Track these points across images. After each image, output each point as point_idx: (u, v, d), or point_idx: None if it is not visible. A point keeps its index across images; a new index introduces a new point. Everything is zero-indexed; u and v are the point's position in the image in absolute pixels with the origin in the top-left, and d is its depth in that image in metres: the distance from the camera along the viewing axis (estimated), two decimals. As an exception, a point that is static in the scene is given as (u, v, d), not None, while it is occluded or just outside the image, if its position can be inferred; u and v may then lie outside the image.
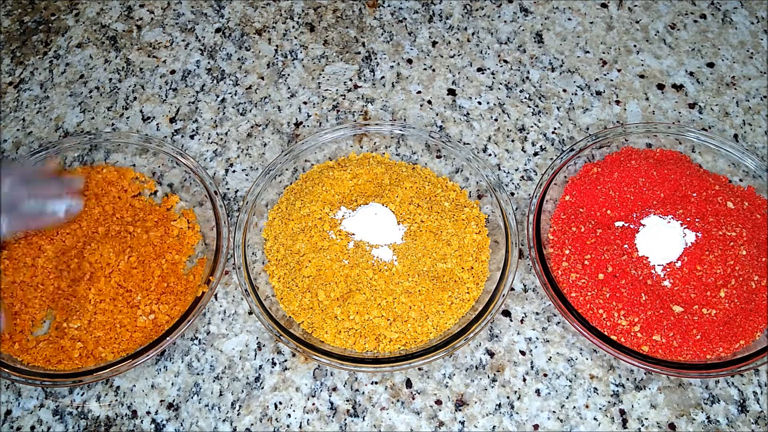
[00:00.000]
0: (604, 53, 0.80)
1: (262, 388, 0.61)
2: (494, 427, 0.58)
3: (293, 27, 0.84)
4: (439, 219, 0.65)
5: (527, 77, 0.79)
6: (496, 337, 0.63)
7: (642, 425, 0.58)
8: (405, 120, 0.76)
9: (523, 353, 0.62)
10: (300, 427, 0.59)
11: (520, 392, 0.60)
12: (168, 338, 0.59)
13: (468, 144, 0.74)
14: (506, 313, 0.64)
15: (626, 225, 0.64)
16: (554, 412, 0.59)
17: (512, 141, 0.74)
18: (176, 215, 0.68)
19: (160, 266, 0.64)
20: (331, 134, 0.71)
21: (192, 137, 0.75)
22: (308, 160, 0.71)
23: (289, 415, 0.59)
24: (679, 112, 0.76)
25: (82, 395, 0.61)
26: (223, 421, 0.59)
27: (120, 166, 0.72)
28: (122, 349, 0.60)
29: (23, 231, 0.57)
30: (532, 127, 0.75)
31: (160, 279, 0.63)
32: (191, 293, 0.62)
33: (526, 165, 0.72)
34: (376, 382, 0.61)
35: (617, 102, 0.77)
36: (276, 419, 0.59)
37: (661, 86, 0.78)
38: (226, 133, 0.75)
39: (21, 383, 0.59)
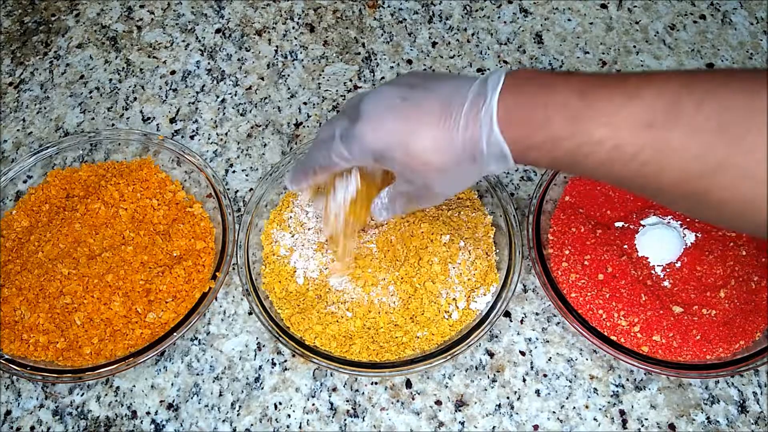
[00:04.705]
0: (603, 54, 0.80)
1: (262, 388, 0.61)
2: (494, 427, 0.58)
3: (293, 27, 0.84)
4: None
5: (527, 78, 0.79)
6: (496, 337, 0.63)
7: (642, 425, 0.58)
8: (405, 120, 0.76)
9: (522, 354, 0.62)
10: (300, 427, 0.59)
11: (520, 393, 0.60)
12: (175, 333, 0.59)
13: (468, 144, 0.74)
14: (506, 314, 0.64)
15: (626, 225, 0.64)
16: (554, 412, 0.59)
17: (512, 141, 0.74)
18: (197, 212, 0.67)
19: (181, 266, 0.63)
20: (331, 135, 0.71)
21: (192, 138, 0.75)
22: (308, 160, 0.71)
23: (289, 416, 0.59)
24: (679, 113, 0.76)
25: (82, 395, 0.61)
26: (223, 421, 0.59)
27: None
28: (130, 345, 0.60)
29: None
30: (531, 127, 0.75)
31: (178, 278, 0.63)
32: (198, 290, 0.62)
33: (525, 165, 0.72)
34: (376, 383, 0.61)
35: (617, 102, 0.76)
36: (276, 419, 0.59)
37: (660, 87, 0.78)
38: (226, 134, 0.75)
39: (23, 377, 0.59)
